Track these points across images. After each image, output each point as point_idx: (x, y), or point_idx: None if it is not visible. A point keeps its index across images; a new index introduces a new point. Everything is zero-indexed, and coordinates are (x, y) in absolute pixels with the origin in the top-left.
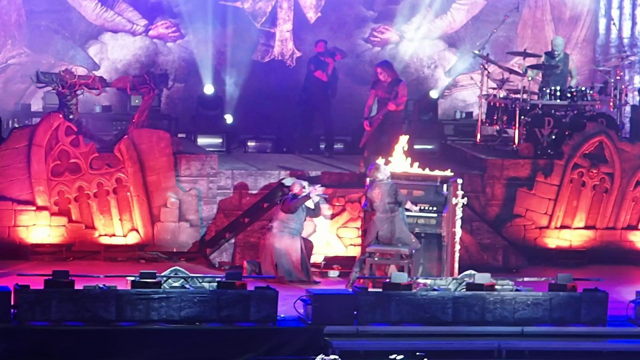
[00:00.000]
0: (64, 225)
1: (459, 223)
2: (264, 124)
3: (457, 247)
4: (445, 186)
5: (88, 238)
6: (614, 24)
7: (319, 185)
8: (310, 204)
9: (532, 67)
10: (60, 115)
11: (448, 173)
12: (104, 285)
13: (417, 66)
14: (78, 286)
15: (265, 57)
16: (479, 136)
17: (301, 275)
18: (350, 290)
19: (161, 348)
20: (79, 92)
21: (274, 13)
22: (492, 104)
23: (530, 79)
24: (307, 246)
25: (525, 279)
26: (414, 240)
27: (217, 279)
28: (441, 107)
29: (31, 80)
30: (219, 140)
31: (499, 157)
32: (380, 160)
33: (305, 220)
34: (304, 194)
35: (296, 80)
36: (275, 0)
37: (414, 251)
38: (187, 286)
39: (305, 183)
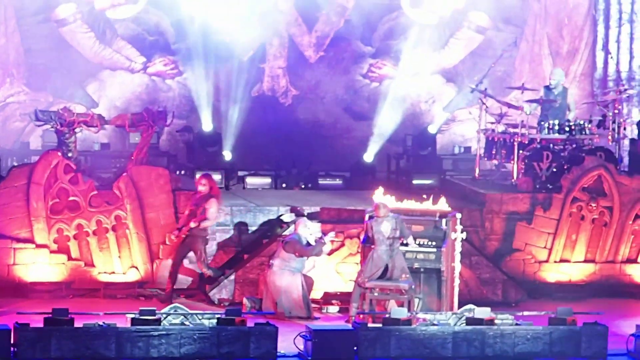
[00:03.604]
0: (63, 263)
1: (458, 257)
2: (262, 160)
3: (457, 281)
4: (444, 221)
5: (87, 276)
6: (611, 57)
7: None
8: (312, 242)
9: (530, 101)
10: (59, 153)
11: (446, 207)
12: (103, 322)
13: (414, 101)
14: (78, 324)
15: (253, 91)
16: (477, 171)
17: (302, 312)
18: (351, 325)
19: None
20: (77, 130)
21: (263, 48)
22: (490, 138)
23: (528, 113)
24: (308, 283)
25: (525, 313)
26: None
27: (216, 316)
28: (439, 142)
29: (30, 119)
30: (217, 177)
31: (498, 192)
32: (379, 198)
33: (307, 258)
34: (310, 235)
35: (293, 117)
36: (264, 36)
37: (413, 286)
38: (187, 323)
39: (308, 222)
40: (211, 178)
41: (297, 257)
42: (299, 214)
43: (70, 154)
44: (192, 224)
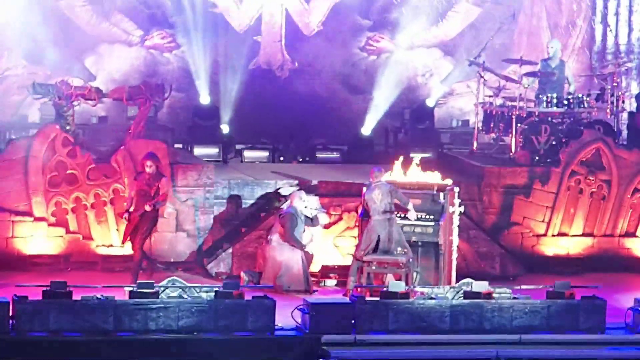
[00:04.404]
0: (62, 236)
1: (456, 231)
2: (260, 133)
3: (455, 255)
4: (442, 195)
5: (85, 249)
6: (610, 30)
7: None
8: (308, 214)
9: (528, 74)
10: (57, 127)
11: (447, 182)
12: (101, 295)
13: (412, 74)
14: (76, 297)
15: (249, 64)
16: (475, 144)
17: (301, 286)
18: (348, 299)
19: (159, 358)
20: (75, 103)
21: (259, 21)
22: (488, 112)
23: (526, 86)
24: (307, 257)
25: (523, 286)
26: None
27: (214, 289)
28: (437, 116)
29: (28, 92)
30: (215, 151)
31: (496, 165)
32: (376, 169)
33: (304, 231)
34: (306, 208)
35: (291, 91)
36: (262, 9)
37: (410, 259)
38: (185, 296)
39: (303, 195)
40: (155, 158)
41: (292, 232)
42: (305, 187)
43: (68, 127)
44: (147, 208)
